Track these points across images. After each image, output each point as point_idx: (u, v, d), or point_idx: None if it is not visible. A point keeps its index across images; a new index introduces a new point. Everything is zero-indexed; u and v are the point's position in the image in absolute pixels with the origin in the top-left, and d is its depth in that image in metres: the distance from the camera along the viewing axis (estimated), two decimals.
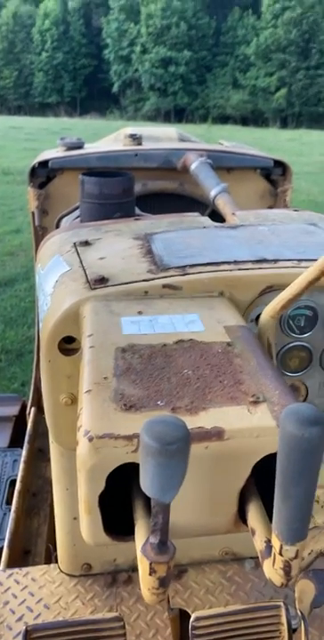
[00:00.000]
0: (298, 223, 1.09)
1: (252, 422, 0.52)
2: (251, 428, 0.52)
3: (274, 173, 1.94)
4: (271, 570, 0.48)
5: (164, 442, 0.39)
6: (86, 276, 0.82)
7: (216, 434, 0.51)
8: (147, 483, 0.41)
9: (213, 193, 1.58)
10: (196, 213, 1.16)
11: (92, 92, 45.53)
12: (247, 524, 0.53)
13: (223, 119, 37.43)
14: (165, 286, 0.79)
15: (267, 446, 0.51)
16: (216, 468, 0.51)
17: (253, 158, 1.93)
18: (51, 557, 1.40)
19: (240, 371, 0.60)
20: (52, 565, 1.05)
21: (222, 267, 0.83)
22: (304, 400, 0.93)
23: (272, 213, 1.19)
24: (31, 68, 43.96)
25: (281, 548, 0.46)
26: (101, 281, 0.79)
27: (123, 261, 0.87)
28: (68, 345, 0.78)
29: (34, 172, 1.83)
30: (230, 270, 0.82)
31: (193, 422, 0.51)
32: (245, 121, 37.46)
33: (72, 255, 0.92)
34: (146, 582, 0.47)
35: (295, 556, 0.46)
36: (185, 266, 0.83)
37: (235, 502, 0.54)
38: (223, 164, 1.86)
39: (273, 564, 0.48)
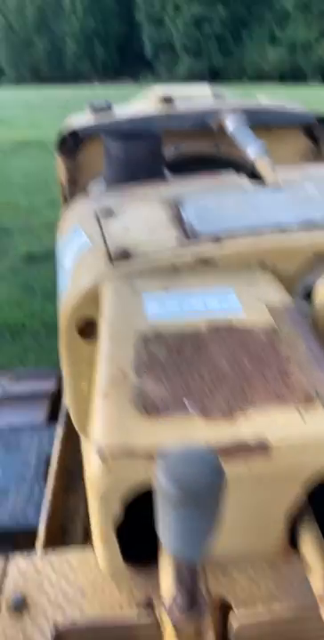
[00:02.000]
0: None
1: (304, 430, 0.42)
2: (303, 437, 0.41)
3: (317, 130, 1.79)
4: None
5: (188, 489, 0.29)
6: (108, 249, 0.74)
7: (260, 448, 0.40)
8: (167, 537, 0.31)
9: (252, 154, 1.47)
10: (232, 173, 1.05)
11: (124, 57, 44.59)
12: (299, 553, 0.44)
13: (261, 77, 35.89)
14: (196, 259, 0.69)
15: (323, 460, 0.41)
16: (260, 491, 0.42)
17: (294, 115, 1.79)
18: (89, 536, 1.38)
19: (288, 361, 0.49)
20: (88, 549, 1.02)
21: (263, 233, 0.72)
22: None
23: (318, 170, 1.06)
24: (63, 37, 43.39)
25: None
26: (124, 255, 0.71)
27: (148, 231, 0.78)
28: (89, 329, 0.70)
29: (62, 141, 1.75)
30: (273, 237, 0.71)
31: (231, 431, 0.42)
32: (283, 78, 35.81)
33: (93, 226, 0.83)
34: None
35: None
36: (220, 234, 0.72)
37: (283, 528, 0.44)
38: (262, 122, 1.72)
39: None
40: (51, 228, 6.60)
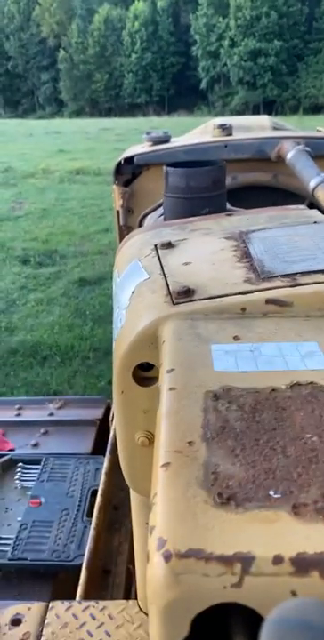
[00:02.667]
0: None
1: None
2: None
3: None
4: None
5: None
6: (168, 286, 0.67)
7: None
8: None
9: (312, 184, 1.40)
10: (302, 206, 0.98)
11: (180, 89, 45.71)
12: None
13: (316, 109, 35.66)
14: (269, 301, 0.61)
15: None
16: None
17: None
18: (131, 580, 1.31)
19: None
20: (130, 602, 0.95)
21: None
22: None
23: None
24: (121, 71, 45.13)
25: None
26: (186, 293, 0.64)
27: (213, 268, 0.71)
28: (146, 373, 0.63)
29: (119, 169, 1.75)
30: None
31: None
32: None
33: (152, 260, 0.78)
34: None
35: None
36: (295, 273, 0.65)
37: None
38: (323, 152, 1.65)
39: None
40: (104, 253, 6.73)
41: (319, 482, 0.35)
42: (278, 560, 0.31)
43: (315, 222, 0.84)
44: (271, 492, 0.35)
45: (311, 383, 0.48)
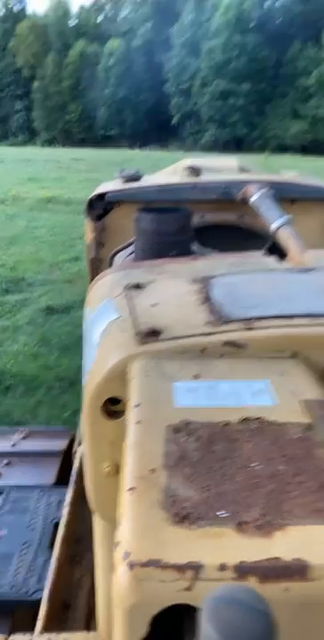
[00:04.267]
0: None
1: None
2: None
3: None
4: None
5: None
6: (137, 326, 0.73)
7: (298, 570, 0.37)
8: None
9: (274, 226, 1.48)
10: (260, 253, 1.05)
11: (152, 124, 46.82)
12: None
13: (282, 149, 37.16)
14: (226, 343, 0.67)
15: None
16: (297, 620, 0.37)
17: (319, 189, 1.82)
18: (91, 614, 1.30)
19: None
20: (91, 634, 0.96)
21: (295, 321, 0.70)
22: None
23: None
24: (95, 104, 45.93)
25: None
26: (153, 334, 0.69)
27: (178, 310, 0.77)
28: (113, 406, 0.67)
29: (91, 204, 1.81)
30: (307, 326, 0.69)
31: (267, 549, 0.38)
32: (305, 150, 36.99)
33: (122, 300, 0.82)
34: None
35: None
36: (251, 318, 0.71)
37: None
38: (286, 195, 1.75)
39: None
40: (72, 282, 6.72)
41: (261, 503, 0.42)
42: (222, 567, 0.37)
43: (271, 270, 0.91)
44: (220, 513, 0.41)
45: (259, 418, 0.54)
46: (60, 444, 2.10)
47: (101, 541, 0.82)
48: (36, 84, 46.25)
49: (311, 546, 0.38)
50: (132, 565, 0.38)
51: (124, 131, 45.87)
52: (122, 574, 0.38)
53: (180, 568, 0.37)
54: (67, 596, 1.36)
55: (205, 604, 0.30)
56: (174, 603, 0.37)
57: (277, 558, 0.37)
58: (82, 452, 1.82)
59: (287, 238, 1.37)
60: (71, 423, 3.54)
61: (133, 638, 0.38)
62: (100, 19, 52.59)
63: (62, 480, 1.92)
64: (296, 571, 0.37)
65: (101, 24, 51.10)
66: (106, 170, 17.80)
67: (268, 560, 0.37)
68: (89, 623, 1.31)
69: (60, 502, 1.74)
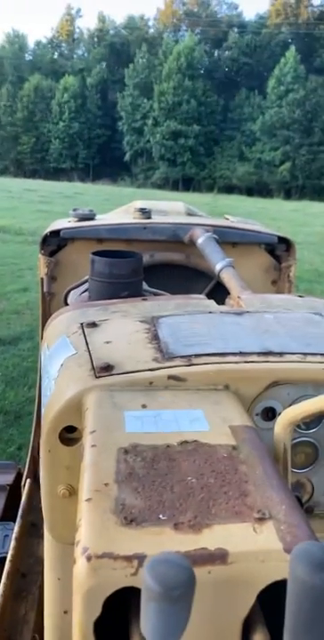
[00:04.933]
0: (303, 311, 1.08)
1: (257, 544, 0.49)
2: (256, 551, 0.48)
3: (278, 249, 1.97)
4: None
5: (167, 586, 0.36)
6: (92, 361, 0.80)
7: (220, 557, 0.47)
8: (148, 627, 0.38)
9: (218, 267, 1.60)
10: (202, 295, 1.16)
11: (104, 159, 47.56)
12: None
13: (229, 189, 38.72)
14: (170, 377, 0.77)
15: (273, 572, 0.48)
16: (218, 595, 0.48)
17: (257, 234, 1.97)
18: None
19: (245, 480, 0.57)
20: None
21: (227, 358, 0.81)
22: (310, 497, 0.88)
23: (277, 299, 1.18)
24: (48, 136, 46.22)
25: None
26: (107, 369, 0.77)
27: (129, 347, 0.86)
28: (70, 434, 0.75)
29: (45, 240, 1.86)
30: (236, 362, 0.80)
31: (196, 541, 0.49)
32: (250, 191, 38.75)
33: (79, 337, 0.90)
34: None
35: None
36: (191, 355, 0.81)
37: (238, 633, 0.49)
38: (228, 239, 1.89)
39: None
40: (20, 313, 6.58)
41: (193, 508, 0.53)
42: None
43: (210, 312, 1.02)
44: (160, 516, 0.52)
45: (195, 441, 0.64)
46: (6, 479, 2.08)
47: (52, 565, 0.86)
48: None
49: (231, 539, 0.50)
50: (89, 557, 0.47)
51: (76, 164, 46.27)
52: (81, 565, 0.47)
53: (128, 558, 0.47)
54: (12, 632, 1.35)
55: (146, 564, 0.39)
56: (122, 586, 0.47)
57: (204, 548, 0.48)
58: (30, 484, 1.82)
59: (229, 279, 1.49)
60: (17, 457, 3.47)
61: (89, 618, 0.47)
62: (55, 55, 53.47)
63: (8, 515, 1.90)
64: (218, 557, 0.48)
65: (57, 60, 51.93)
66: (58, 201, 17.86)
67: (196, 550, 0.48)
68: None
69: (6, 537, 1.72)
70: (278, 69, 41.22)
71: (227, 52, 47.03)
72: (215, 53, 48.26)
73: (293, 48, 41.48)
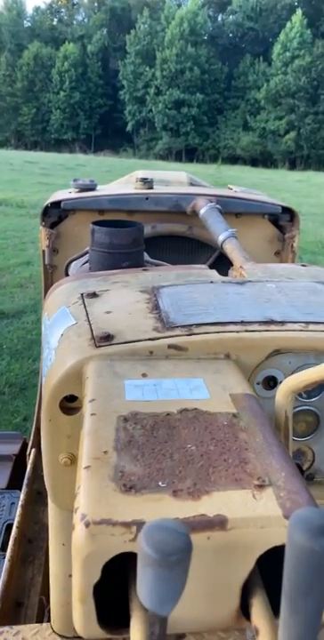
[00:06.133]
0: (306, 280, 1.08)
1: (256, 511, 0.49)
2: (255, 517, 0.48)
3: (282, 219, 1.94)
4: None
5: (163, 552, 0.36)
6: (92, 331, 0.80)
7: (219, 523, 0.47)
8: (144, 593, 0.38)
9: (221, 237, 1.59)
10: (203, 265, 1.15)
11: (106, 130, 46.80)
12: (249, 619, 0.49)
13: (233, 160, 38.16)
14: (170, 346, 0.76)
15: (272, 538, 0.48)
16: (218, 560, 0.48)
17: (261, 204, 1.94)
18: (44, 611, 1.34)
19: (246, 447, 0.57)
20: (44, 625, 1.01)
21: (228, 327, 0.81)
22: (311, 465, 0.89)
23: (280, 268, 1.17)
24: (49, 106, 45.40)
25: None
26: (107, 338, 0.77)
27: (129, 317, 0.85)
28: (70, 403, 0.75)
29: (46, 211, 1.85)
30: (237, 332, 0.80)
31: (195, 508, 0.49)
32: (254, 162, 38.16)
33: (79, 307, 0.90)
34: None
35: None
36: (191, 325, 0.80)
37: (237, 597, 0.50)
38: (232, 209, 1.86)
39: None
40: (24, 286, 6.56)
41: (193, 476, 0.53)
42: None
43: (211, 282, 1.01)
44: (159, 483, 0.51)
45: (195, 409, 0.64)
46: (12, 448, 2.12)
47: (56, 532, 0.88)
48: None
49: (230, 505, 0.50)
50: (87, 524, 0.47)
51: (78, 135, 45.56)
52: (79, 531, 0.47)
53: (126, 524, 0.47)
54: (19, 595, 1.39)
55: (142, 530, 0.38)
56: (121, 551, 0.47)
57: (203, 515, 0.48)
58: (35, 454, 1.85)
59: (231, 250, 1.48)
60: (22, 428, 3.52)
61: (88, 583, 0.47)
62: (55, 21, 52.11)
63: (14, 484, 1.94)
64: (217, 523, 0.48)
65: (57, 27, 50.63)
66: (60, 173, 17.64)
67: (195, 516, 0.48)
68: (41, 620, 1.35)
69: (13, 505, 1.76)
70: (283, 34, 40.09)
71: (231, 17, 45.72)
72: (219, 18, 46.91)
73: (299, 12, 40.23)
